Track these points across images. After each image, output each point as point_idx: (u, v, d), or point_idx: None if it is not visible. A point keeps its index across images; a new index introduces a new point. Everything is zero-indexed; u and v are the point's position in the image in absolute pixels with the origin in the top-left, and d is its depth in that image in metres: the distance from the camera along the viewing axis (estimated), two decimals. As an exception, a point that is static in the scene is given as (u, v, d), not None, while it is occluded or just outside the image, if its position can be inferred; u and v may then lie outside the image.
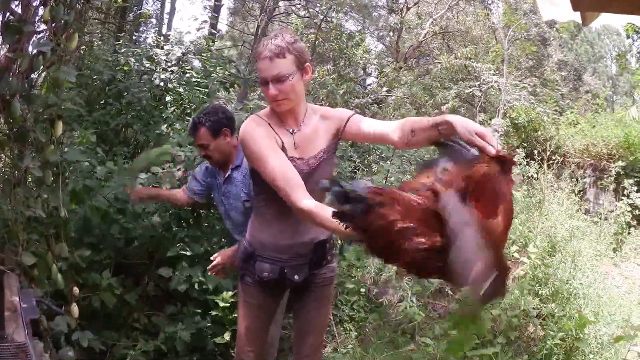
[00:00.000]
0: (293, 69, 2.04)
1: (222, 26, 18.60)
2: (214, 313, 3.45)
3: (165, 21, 17.27)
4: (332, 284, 2.46)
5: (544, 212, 6.11)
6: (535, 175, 7.09)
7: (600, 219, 8.63)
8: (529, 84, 11.04)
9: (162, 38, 6.48)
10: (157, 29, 15.58)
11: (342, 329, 4.17)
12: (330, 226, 1.77)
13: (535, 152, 7.54)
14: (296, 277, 2.21)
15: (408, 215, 1.41)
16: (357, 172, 6.52)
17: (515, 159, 1.55)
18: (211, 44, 6.59)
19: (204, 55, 5.57)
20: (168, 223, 3.69)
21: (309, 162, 2.16)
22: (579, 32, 24.18)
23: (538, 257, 5.06)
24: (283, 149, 2.10)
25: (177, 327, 3.41)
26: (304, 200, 1.90)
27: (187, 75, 5.32)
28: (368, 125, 2.18)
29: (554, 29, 15.90)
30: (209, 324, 3.51)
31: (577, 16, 3.10)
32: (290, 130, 2.17)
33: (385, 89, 10.29)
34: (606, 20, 3.29)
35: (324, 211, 1.83)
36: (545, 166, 7.06)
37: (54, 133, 2.35)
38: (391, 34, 14.87)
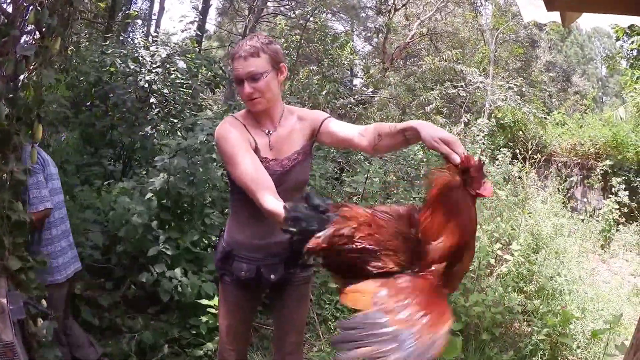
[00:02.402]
0: (268, 68, 2.06)
1: (210, 26, 18.58)
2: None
3: (154, 21, 17.19)
4: (310, 282, 2.47)
5: (526, 210, 6.17)
6: (517, 174, 7.18)
7: (587, 216, 8.77)
8: (515, 84, 11.11)
9: (149, 39, 6.46)
10: (145, 29, 15.55)
11: (325, 328, 4.18)
12: None
13: (518, 151, 7.64)
14: (272, 276, 2.21)
15: (373, 235, 1.45)
16: (341, 172, 6.55)
17: (483, 169, 1.50)
18: (196, 45, 6.56)
19: (189, 56, 5.55)
20: (148, 224, 3.69)
21: (283, 163, 2.16)
22: (569, 34, 24.29)
23: (522, 254, 5.12)
24: (256, 150, 2.10)
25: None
26: (271, 202, 1.88)
27: (172, 76, 5.31)
28: (340, 128, 2.20)
29: (544, 31, 15.96)
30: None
31: (556, 17, 3.15)
32: (266, 131, 2.18)
33: (370, 90, 10.32)
34: (594, 22, 3.34)
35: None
36: (527, 165, 7.15)
37: (34, 136, 2.37)
38: (378, 34, 14.88)
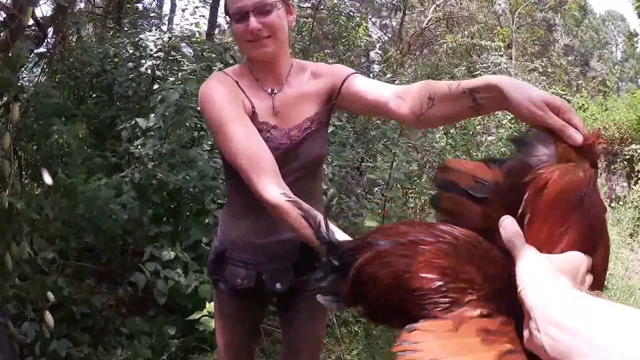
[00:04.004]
0: (278, 0, 1.56)
1: (222, 19, 18.34)
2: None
3: (166, 17, 17.02)
4: None
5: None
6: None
7: (618, 203, 8.42)
8: (540, 64, 10.74)
9: (153, 28, 6.23)
10: (158, 23, 15.39)
11: (346, 331, 3.78)
12: (304, 233, 1.20)
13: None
14: (278, 285, 1.69)
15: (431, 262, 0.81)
16: (362, 162, 6.19)
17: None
18: (199, 27, 6.26)
19: (195, 39, 5.25)
20: (139, 219, 3.33)
21: (291, 135, 1.62)
22: (584, 18, 24.02)
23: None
24: (253, 116, 1.57)
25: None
26: (273, 191, 1.36)
27: (180, 63, 5.02)
28: (368, 87, 1.59)
29: (559, 14, 15.75)
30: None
31: None
32: (269, 91, 1.64)
33: (389, 75, 10.01)
34: (607, 4, 3.01)
35: (298, 210, 1.24)
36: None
37: (11, 118, 2.04)
38: (394, 23, 14.61)
